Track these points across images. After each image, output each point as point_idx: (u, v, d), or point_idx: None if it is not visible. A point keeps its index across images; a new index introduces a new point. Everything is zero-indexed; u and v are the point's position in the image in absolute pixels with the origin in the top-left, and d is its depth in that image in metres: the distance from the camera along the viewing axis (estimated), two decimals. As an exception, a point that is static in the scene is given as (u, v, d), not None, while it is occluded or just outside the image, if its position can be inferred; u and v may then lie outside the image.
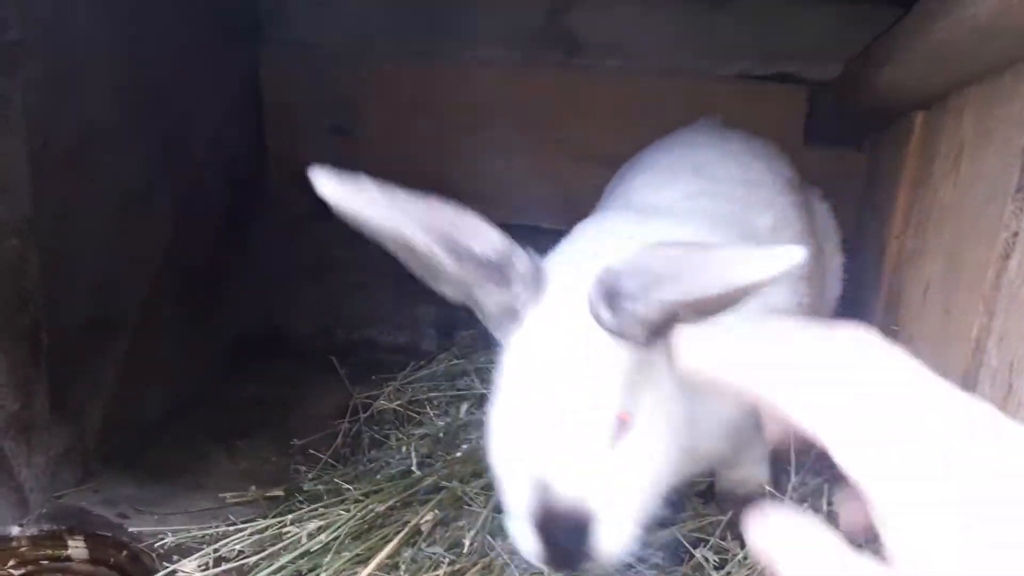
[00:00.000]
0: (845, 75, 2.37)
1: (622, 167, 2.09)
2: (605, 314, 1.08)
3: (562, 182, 2.81)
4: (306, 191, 2.61)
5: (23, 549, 1.65)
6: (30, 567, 1.65)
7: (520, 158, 2.81)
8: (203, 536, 1.83)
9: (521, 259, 1.14)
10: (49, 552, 1.65)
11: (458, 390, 2.35)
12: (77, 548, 1.65)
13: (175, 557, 1.68)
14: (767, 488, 1.75)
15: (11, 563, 1.64)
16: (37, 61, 1.74)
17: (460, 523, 1.74)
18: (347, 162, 3.03)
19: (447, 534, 1.70)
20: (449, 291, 1.16)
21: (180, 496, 1.97)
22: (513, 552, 1.47)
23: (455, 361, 2.52)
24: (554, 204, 2.85)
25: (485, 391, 2.25)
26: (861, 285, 2.34)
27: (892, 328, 1.89)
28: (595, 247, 1.39)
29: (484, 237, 1.13)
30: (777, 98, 2.71)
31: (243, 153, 2.73)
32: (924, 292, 1.72)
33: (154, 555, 1.63)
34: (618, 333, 1.09)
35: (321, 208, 2.45)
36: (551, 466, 1.12)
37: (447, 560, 1.61)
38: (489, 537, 1.66)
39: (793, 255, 0.95)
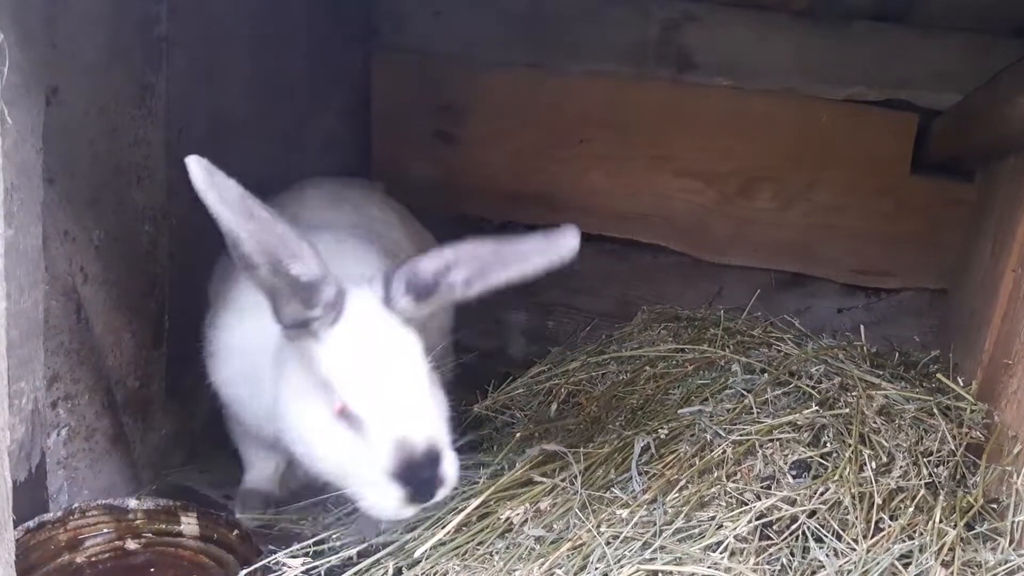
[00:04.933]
0: (966, 104, 2.33)
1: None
2: (405, 303, 1.46)
3: (663, 197, 2.82)
4: (409, 193, 2.64)
5: (138, 522, 1.71)
6: (144, 539, 1.71)
7: (622, 171, 2.83)
8: (300, 520, 1.89)
9: (329, 287, 1.40)
10: (163, 526, 1.71)
11: (546, 394, 2.35)
12: (189, 524, 1.71)
13: (280, 544, 1.73)
14: None
15: (127, 534, 1.70)
16: (181, 55, 1.82)
17: (552, 511, 1.75)
18: (450, 167, 3.08)
19: (540, 521, 1.72)
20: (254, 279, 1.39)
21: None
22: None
23: (545, 370, 2.51)
24: (653, 219, 2.87)
25: (570, 388, 2.26)
26: (964, 317, 2.30)
27: (1005, 363, 1.86)
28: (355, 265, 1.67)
29: (304, 261, 1.36)
30: (886, 124, 2.69)
31: (353, 154, 2.80)
32: (1044, 328, 1.69)
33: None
34: (410, 315, 1.47)
35: (420, 211, 2.48)
36: (407, 423, 1.42)
37: (539, 545, 1.63)
38: (579, 515, 1.67)
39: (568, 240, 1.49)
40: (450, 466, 1.46)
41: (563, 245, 1.49)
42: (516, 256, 1.47)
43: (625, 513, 1.65)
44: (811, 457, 1.74)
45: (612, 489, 1.76)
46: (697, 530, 1.58)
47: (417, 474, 1.42)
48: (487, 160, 2.88)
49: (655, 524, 1.61)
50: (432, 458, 1.43)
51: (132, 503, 1.72)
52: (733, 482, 1.70)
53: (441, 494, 1.48)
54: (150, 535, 1.72)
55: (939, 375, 2.02)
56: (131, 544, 1.71)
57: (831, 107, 2.69)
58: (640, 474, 1.78)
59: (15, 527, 1.55)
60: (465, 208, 2.94)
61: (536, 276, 1.47)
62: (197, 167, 1.30)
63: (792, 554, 1.52)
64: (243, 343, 1.66)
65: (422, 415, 1.45)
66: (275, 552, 1.65)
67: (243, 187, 1.35)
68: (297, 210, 1.87)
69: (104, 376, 1.78)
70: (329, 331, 1.43)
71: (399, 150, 2.93)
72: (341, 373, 1.42)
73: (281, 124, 2.34)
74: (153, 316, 1.89)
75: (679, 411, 1.98)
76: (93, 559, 1.66)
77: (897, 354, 2.30)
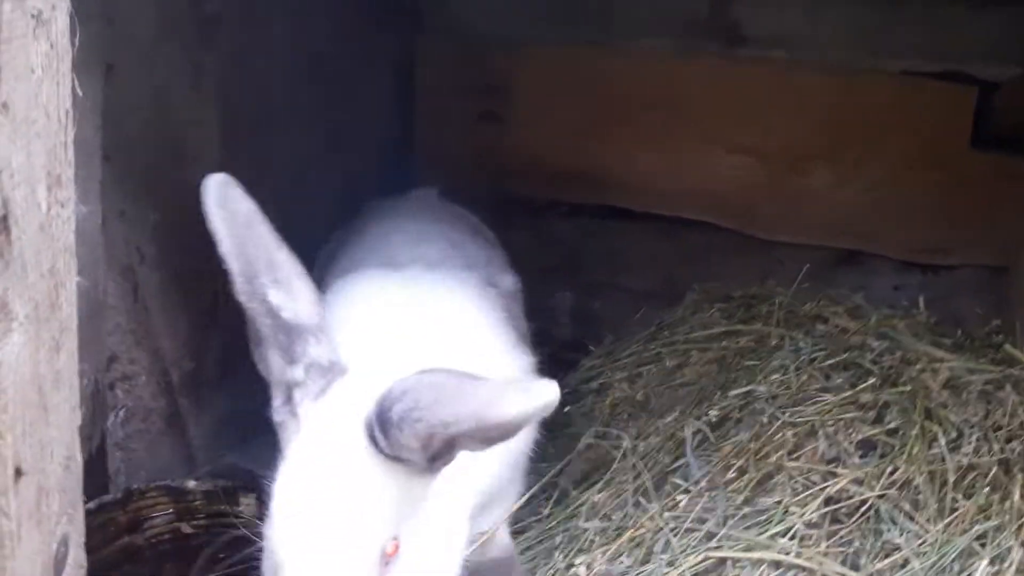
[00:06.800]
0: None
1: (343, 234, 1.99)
2: (380, 439, 1.06)
3: (712, 174, 2.77)
4: (451, 176, 2.61)
5: (197, 503, 1.70)
6: (202, 520, 1.70)
7: (670, 149, 2.78)
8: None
9: (320, 346, 1.12)
10: (222, 507, 1.71)
11: (600, 391, 2.29)
12: (248, 506, 1.70)
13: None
14: None
15: (186, 515, 1.69)
16: (230, 35, 1.81)
17: (609, 502, 1.73)
18: (495, 148, 3.03)
19: (596, 512, 1.70)
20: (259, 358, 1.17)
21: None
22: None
23: (596, 363, 2.46)
24: (702, 196, 2.82)
25: (628, 391, 2.21)
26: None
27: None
28: (388, 340, 1.33)
29: (294, 300, 1.13)
30: (943, 97, 2.61)
31: (395, 136, 2.78)
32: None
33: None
34: (393, 457, 1.07)
35: (464, 192, 2.44)
36: None
37: (599, 532, 1.61)
38: (642, 502, 1.64)
39: (547, 392, 1.00)
40: None
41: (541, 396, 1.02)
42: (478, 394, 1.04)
43: (685, 500, 1.63)
44: (876, 436, 1.70)
45: (670, 477, 1.73)
46: (764, 516, 1.55)
47: None
48: (532, 139, 2.84)
49: (717, 511, 1.58)
50: None
51: (191, 484, 1.71)
52: (797, 464, 1.66)
53: None
54: (208, 516, 1.71)
55: (1007, 346, 1.96)
56: (189, 525, 1.71)
57: (885, 80, 2.62)
58: (698, 460, 1.75)
59: (76, 508, 1.56)
60: (510, 188, 2.91)
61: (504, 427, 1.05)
62: (213, 186, 1.15)
63: (864, 536, 1.48)
64: None
65: None
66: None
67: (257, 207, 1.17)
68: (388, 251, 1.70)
69: (160, 357, 1.78)
70: (307, 415, 1.13)
71: (443, 130, 2.91)
72: (272, 514, 1.11)
73: (326, 109, 2.32)
74: (207, 297, 1.88)
75: (733, 392, 1.94)
76: (153, 540, 1.66)
77: (959, 329, 2.23)
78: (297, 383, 1.14)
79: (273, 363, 1.15)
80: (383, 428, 1.06)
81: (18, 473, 0.89)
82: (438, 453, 1.07)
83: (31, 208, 0.86)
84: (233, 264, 1.15)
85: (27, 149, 0.83)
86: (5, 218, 0.80)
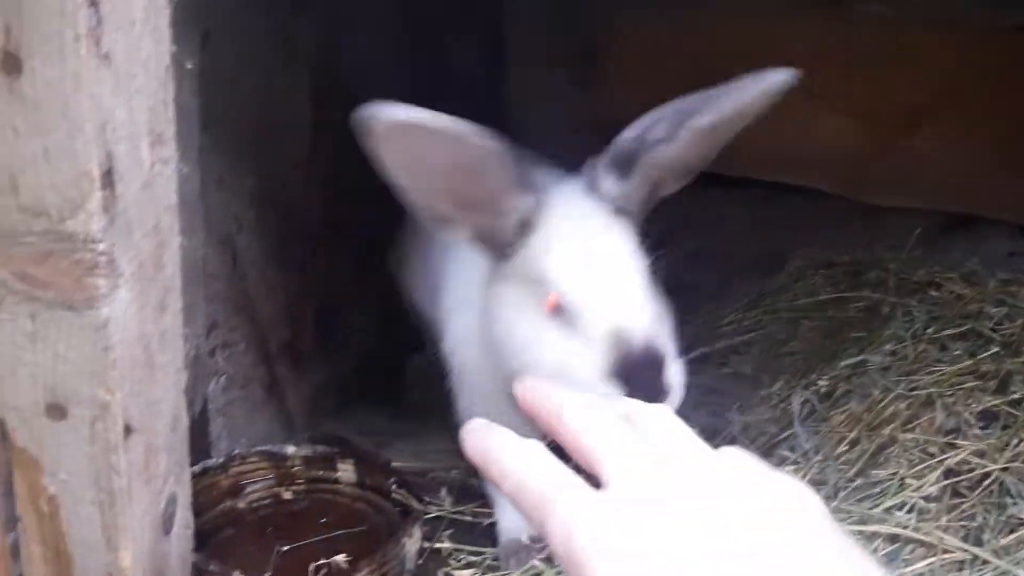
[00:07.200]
0: None
1: None
2: (610, 186, 1.32)
3: (815, 137, 2.66)
4: (543, 140, 2.57)
5: (296, 468, 1.71)
6: (301, 485, 1.71)
7: (772, 111, 2.65)
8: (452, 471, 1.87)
9: (527, 166, 1.29)
10: (320, 473, 1.71)
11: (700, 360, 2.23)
12: (346, 471, 1.70)
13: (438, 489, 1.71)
14: None
15: (285, 480, 1.70)
16: (323, 2, 1.79)
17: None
18: (588, 112, 2.97)
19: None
20: (459, 224, 1.30)
21: (433, 433, 2.00)
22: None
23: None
24: (805, 160, 2.71)
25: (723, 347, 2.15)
26: None
27: None
28: None
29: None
30: (1062, 52, 2.45)
31: (488, 102, 2.74)
32: None
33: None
34: (622, 201, 1.32)
35: (554, 159, 2.39)
36: (621, 316, 1.20)
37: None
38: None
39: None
40: (675, 374, 1.20)
41: (774, 77, 1.32)
42: (721, 95, 1.32)
43: (794, 472, 1.56)
44: (999, 407, 1.61)
45: (777, 449, 1.67)
46: (878, 489, 1.48)
47: (636, 374, 1.17)
48: (627, 103, 2.70)
49: (828, 483, 1.52)
50: (653, 359, 1.18)
51: (290, 450, 1.72)
52: (913, 436, 1.58)
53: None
54: (308, 482, 1.72)
55: None
56: (289, 491, 1.71)
57: (996, 37, 2.47)
58: (806, 431, 1.68)
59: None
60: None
61: (747, 112, 1.33)
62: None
63: (987, 511, 1.40)
64: (464, 295, 1.52)
65: (638, 310, 1.20)
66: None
67: None
68: None
69: (258, 325, 1.79)
70: (537, 225, 1.28)
71: (534, 95, 2.86)
72: (549, 263, 1.26)
73: (419, 74, 2.30)
74: (303, 265, 1.88)
75: (843, 362, 1.86)
76: (254, 505, 1.67)
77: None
78: (541, 200, 1.29)
79: (513, 202, 1.27)
80: (620, 171, 1.32)
81: (128, 430, 0.89)
82: (655, 186, 1.36)
83: (134, 164, 0.85)
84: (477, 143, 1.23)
85: (129, 104, 0.83)
86: (109, 173, 0.80)
